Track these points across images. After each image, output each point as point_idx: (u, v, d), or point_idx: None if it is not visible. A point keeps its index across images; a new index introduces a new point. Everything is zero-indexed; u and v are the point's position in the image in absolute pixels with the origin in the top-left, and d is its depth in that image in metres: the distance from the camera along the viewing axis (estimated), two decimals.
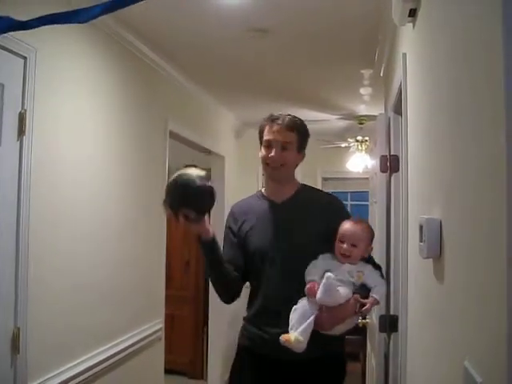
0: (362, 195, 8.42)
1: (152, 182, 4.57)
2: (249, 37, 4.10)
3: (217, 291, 2.69)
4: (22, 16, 1.78)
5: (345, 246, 2.45)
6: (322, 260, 2.48)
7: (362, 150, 7.28)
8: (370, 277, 2.45)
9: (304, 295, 2.41)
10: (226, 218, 2.85)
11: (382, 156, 3.43)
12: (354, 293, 2.39)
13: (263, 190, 2.83)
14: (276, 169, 2.64)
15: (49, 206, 3.10)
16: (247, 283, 2.74)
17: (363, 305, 2.38)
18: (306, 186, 2.84)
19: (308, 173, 8.94)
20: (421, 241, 1.74)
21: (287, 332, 2.34)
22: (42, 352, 3.02)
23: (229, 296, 2.71)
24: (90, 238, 3.58)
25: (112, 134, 3.95)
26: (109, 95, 3.90)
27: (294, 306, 2.41)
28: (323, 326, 2.39)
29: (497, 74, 1.02)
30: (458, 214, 1.42)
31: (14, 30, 1.83)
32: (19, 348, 2.80)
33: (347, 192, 9.27)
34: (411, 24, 2.34)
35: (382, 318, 3.29)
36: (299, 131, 2.68)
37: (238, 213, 2.77)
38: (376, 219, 3.73)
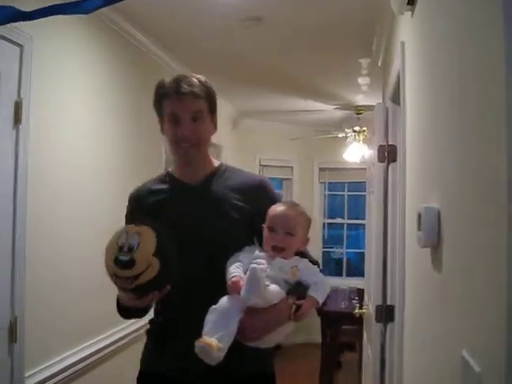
0: (359, 185, 8.43)
1: (150, 170, 4.54)
2: (244, 26, 4.09)
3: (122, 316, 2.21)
4: (24, 6, 1.77)
5: (278, 236, 1.98)
6: (248, 253, 2.01)
7: (359, 140, 7.26)
8: (307, 273, 1.98)
9: (223, 294, 1.91)
10: None
11: (380, 146, 3.42)
12: (287, 293, 1.93)
13: (172, 171, 2.30)
14: (189, 148, 2.12)
15: (45, 194, 3.10)
16: None
17: (299, 307, 1.92)
18: (226, 165, 2.33)
19: (305, 163, 8.99)
20: (419, 230, 1.74)
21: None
22: (39, 341, 3.02)
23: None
24: (87, 226, 3.57)
25: (108, 121, 3.94)
26: (105, 83, 3.89)
27: (213, 306, 1.86)
28: (248, 334, 1.88)
29: (498, 60, 1.02)
30: (456, 203, 1.41)
31: (16, 21, 1.83)
32: (16, 337, 2.80)
33: (344, 182, 9.26)
34: (410, 12, 2.33)
35: (378, 308, 3.29)
36: (207, 93, 2.15)
37: (141, 197, 2.23)
38: (373, 209, 3.73)
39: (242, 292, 1.83)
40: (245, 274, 1.88)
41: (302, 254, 2.07)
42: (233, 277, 1.89)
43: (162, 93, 2.12)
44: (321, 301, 1.97)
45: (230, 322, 1.82)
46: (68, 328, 3.34)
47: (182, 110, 2.08)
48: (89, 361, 3.53)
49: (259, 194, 2.20)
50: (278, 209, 2.05)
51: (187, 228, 2.06)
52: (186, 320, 2.00)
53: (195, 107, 2.09)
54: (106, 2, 1.71)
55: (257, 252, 2.00)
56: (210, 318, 1.83)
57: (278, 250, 1.97)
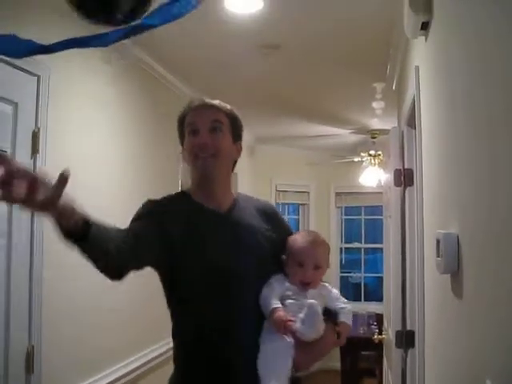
0: (376, 209, 8.39)
1: None
2: (261, 53, 4.12)
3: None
4: (40, 38, 1.79)
5: (307, 271, 1.94)
6: (277, 283, 1.94)
7: (374, 164, 7.25)
8: (332, 298, 2.00)
9: (258, 325, 1.89)
10: None
11: (396, 170, 3.41)
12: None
13: (188, 191, 2.13)
14: (207, 159, 1.98)
15: None
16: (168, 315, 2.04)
17: (338, 334, 1.95)
18: (240, 194, 2.22)
19: (321, 188, 8.98)
20: (438, 256, 1.72)
21: (238, 377, 1.80)
22: (56, 371, 3.01)
23: (112, 265, 1.92)
24: None
25: (125, 151, 3.95)
26: (122, 113, 3.92)
27: (261, 348, 1.84)
28: (301, 368, 1.88)
29: None
30: (475, 228, 1.40)
31: (35, 54, 1.84)
32: (33, 367, 2.79)
33: (361, 206, 9.24)
34: (423, 37, 2.33)
35: (398, 333, 3.25)
36: (231, 114, 2.09)
37: (168, 212, 1.99)
38: (391, 233, 3.71)
39: (302, 329, 1.82)
40: (284, 305, 1.87)
41: None
42: (275, 309, 1.84)
43: (185, 111, 2.09)
44: (351, 324, 2.02)
45: (285, 362, 1.81)
46: (84, 358, 3.32)
47: (201, 118, 2.02)
48: None
49: (277, 220, 2.18)
50: (304, 243, 2.00)
51: (225, 261, 1.93)
52: (228, 358, 1.88)
53: (214, 116, 2.02)
54: (126, 35, 1.72)
55: (287, 283, 1.95)
56: (265, 361, 1.81)
57: (306, 285, 1.94)
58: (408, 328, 3.15)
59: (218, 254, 1.94)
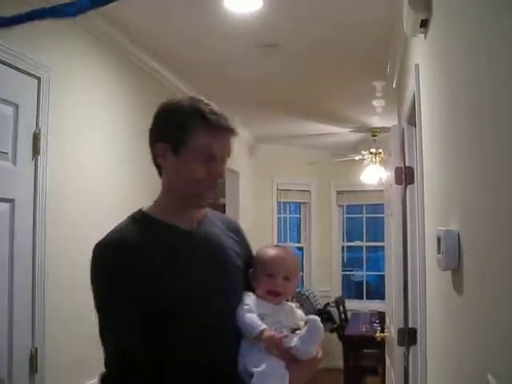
0: (377, 208, 8.39)
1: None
2: (260, 52, 4.12)
3: None
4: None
5: (277, 281, 1.81)
6: (251, 301, 1.80)
7: (375, 162, 7.25)
8: (299, 315, 1.88)
9: (236, 347, 1.74)
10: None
11: (397, 168, 3.41)
12: None
13: (152, 213, 1.85)
14: (213, 192, 1.79)
15: (64, 223, 3.11)
16: None
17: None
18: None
19: (322, 186, 8.98)
20: (439, 253, 1.72)
21: None
22: (60, 372, 3.01)
23: None
24: None
25: (126, 151, 3.96)
26: (122, 113, 3.92)
27: (256, 370, 1.66)
28: None
29: None
30: (476, 225, 1.40)
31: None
32: (37, 368, 2.80)
33: (362, 205, 9.24)
34: (423, 35, 2.33)
35: (400, 331, 3.25)
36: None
37: (129, 252, 1.70)
38: (392, 231, 3.71)
39: (303, 347, 1.70)
40: (266, 324, 1.73)
41: None
42: (263, 330, 1.69)
43: (199, 118, 1.73)
44: None
45: (283, 382, 1.68)
46: (87, 359, 3.32)
47: (222, 149, 1.75)
48: None
49: (241, 236, 2.00)
50: (274, 253, 1.91)
51: (200, 287, 1.73)
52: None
53: (229, 146, 1.78)
54: (91, 5, 1.68)
55: (259, 301, 1.81)
56: None
57: (274, 295, 1.83)
58: (410, 325, 3.15)
59: (184, 280, 1.71)
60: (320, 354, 1.79)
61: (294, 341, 1.71)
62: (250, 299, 1.81)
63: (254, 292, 1.85)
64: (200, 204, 1.83)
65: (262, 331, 1.69)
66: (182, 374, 1.65)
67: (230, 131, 1.76)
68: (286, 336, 1.70)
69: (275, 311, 1.80)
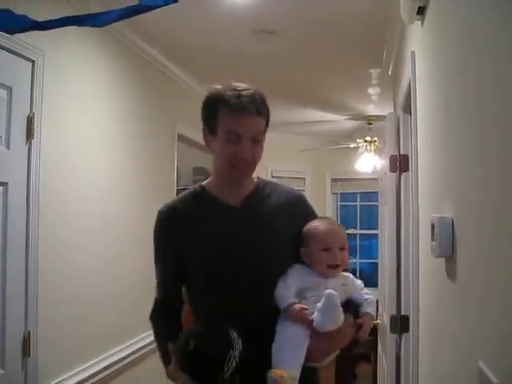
0: (372, 196, 8.40)
1: (161, 184, 4.57)
2: (257, 38, 4.10)
3: None
4: (36, 17, 1.78)
5: (334, 254, 1.89)
6: (293, 276, 1.90)
7: (370, 150, 7.25)
8: (355, 289, 1.96)
9: (272, 320, 1.85)
10: None
11: (392, 156, 3.42)
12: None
13: (208, 187, 2.08)
14: (245, 170, 1.96)
15: (57, 207, 3.11)
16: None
17: (359, 326, 1.88)
18: (263, 181, 2.14)
19: (317, 174, 8.98)
20: (432, 240, 1.73)
21: (256, 372, 1.72)
22: (53, 355, 3.02)
23: None
24: (99, 237, 3.58)
25: (120, 136, 3.95)
26: (117, 98, 3.91)
27: (276, 336, 1.82)
28: (315, 358, 1.85)
29: (509, 69, 1.01)
30: (470, 212, 1.40)
31: (29, 30, 1.83)
32: (30, 351, 2.81)
33: (356, 193, 9.25)
34: (420, 22, 2.32)
35: (392, 318, 3.27)
36: (267, 112, 1.99)
37: (176, 222, 2.03)
38: (386, 219, 3.72)
39: (319, 319, 1.77)
40: (300, 297, 1.84)
41: None
42: (290, 304, 1.81)
43: (220, 102, 1.91)
44: (375, 316, 1.97)
45: (299, 351, 1.78)
46: (82, 340, 3.34)
47: (246, 129, 1.89)
48: (104, 373, 3.53)
49: (299, 209, 2.09)
50: (326, 227, 1.96)
51: (236, 257, 1.92)
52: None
53: (258, 128, 1.92)
54: (119, 17, 1.72)
55: (306, 276, 1.90)
56: (278, 348, 1.79)
57: (334, 268, 1.90)
58: (402, 313, 3.17)
59: (219, 249, 1.94)
60: (351, 331, 1.86)
61: (314, 314, 1.78)
62: (292, 272, 1.91)
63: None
64: (232, 181, 2.01)
65: (289, 304, 1.81)
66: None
67: (251, 113, 1.89)
68: (306, 309, 1.79)
69: (318, 285, 1.86)
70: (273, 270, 1.91)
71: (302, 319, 1.79)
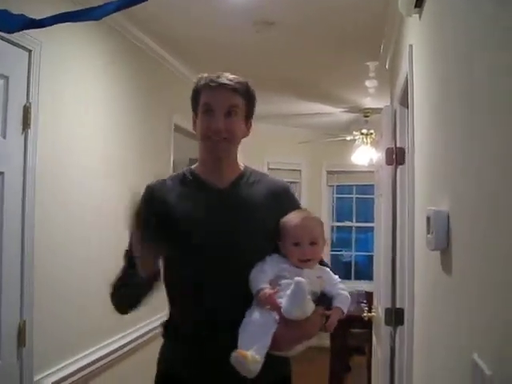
0: (367, 188, 8.40)
1: (157, 174, 4.57)
2: (254, 30, 4.09)
3: (117, 305, 2.15)
4: (34, 14, 1.78)
5: (303, 248, 1.94)
6: (271, 263, 1.95)
7: (367, 143, 7.25)
8: (331, 283, 2.00)
9: (247, 305, 1.91)
10: None
11: (388, 148, 3.42)
12: (315, 304, 1.89)
13: (195, 169, 2.16)
14: (220, 142, 2.00)
15: (53, 196, 3.11)
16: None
17: (327, 318, 1.93)
18: (251, 169, 2.20)
19: (313, 166, 8.98)
20: (428, 233, 1.73)
21: (226, 352, 1.76)
22: (48, 345, 3.02)
23: (131, 309, 2.12)
24: (95, 227, 3.58)
25: (117, 126, 3.94)
26: (114, 88, 3.90)
27: (244, 320, 1.86)
28: (281, 346, 1.86)
29: (509, 62, 1.01)
30: (466, 205, 1.41)
31: (28, 28, 1.85)
32: (25, 341, 2.81)
33: (352, 185, 9.26)
34: (417, 15, 2.32)
35: (387, 311, 3.28)
36: (247, 94, 2.08)
37: (161, 196, 2.08)
38: (382, 212, 3.72)
39: (286, 305, 1.81)
40: (275, 284, 1.88)
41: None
42: (262, 289, 1.86)
43: (200, 84, 2.04)
44: (345, 311, 1.99)
45: (265, 335, 1.81)
46: (78, 330, 3.34)
47: (217, 101, 2.00)
48: (101, 363, 3.54)
49: (284, 201, 2.13)
50: (296, 221, 1.99)
51: (215, 235, 1.98)
52: (213, 328, 1.92)
53: (231, 101, 2.01)
54: (116, 8, 1.72)
55: (282, 264, 1.95)
56: (245, 330, 1.83)
57: (305, 262, 1.94)
58: (397, 306, 3.18)
59: (202, 230, 1.99)
60: (320, 322, 1.91)
61: (283, 300, 1.82)
62: (270, 259, 1.96)
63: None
64: (212, 155, 2.07)
65: (260, 289, 1.85)
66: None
67: (226, 88, 2.00)
68: (276, 292, 1.84)
69: (293, 274, 1.88)
70: (247, 253, 1.95)
71: (270, 304, 1.83)
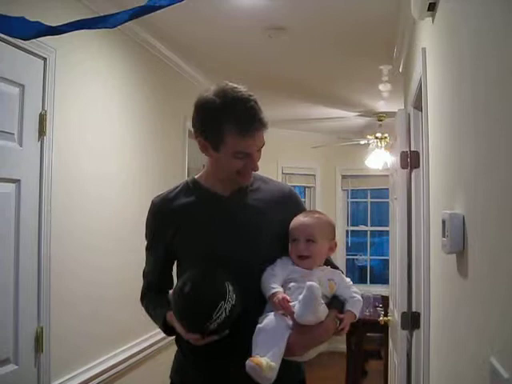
0: (382, 192, 8.39)
1: (171, 181, 4.58)
2: (267, 35, 4.10)
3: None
4: (49, 22, 1.80)
5: (300, 245, 1.96)
6: (281, 266, 1.96)
7: (381, 147, 7.23)
8: (343, 286, 1.99)
9: (259, 310, 1.91)
10: None
11: (403, 152, 3.41)
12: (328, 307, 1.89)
13: (199, 179, 2.14)
14: (250, 177, 2.06)
15: (69, 204, 3.13)
16: None
17: (340, 320, 1.93)
18: (256, 174, 2.13)
19: (327, 171, 8.97)
20: (443, 236, 1.73)
21: (240, 361, 1.75)
22: (65, 351, 3.04)
23: None
24: (110, 236, 3.60)
25: (132, 133, 3.97)
26: (128, 95, 3.92)
27: (259, 325, 1.84)
28: (295, 351, 1.85)
29: None
30: (481, 208, 1.40)
31: (43, 35, 1.86)
32: (42, 347, 2.83)
33: (367, 189, 9.23)
34: (430, 18, 2.32)
35: (403, 315, 3.26)
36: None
37: (168, 212, 2.08)
38: (397, 216, 3.71)
39: (298, 310, 1.80)
40: (286, 288, 1.88)
41: (326, 261, 2.05)
42: (274, 293, 1.85)
43: (228, 123, 1.88)
44: (358, 315, 1.99)
45: (279, 341, 1.80)
46: (94, 337, 3.36)
47: (255, 147, 1.94)
48: (116, 369, 3.56)
49: (289, 205, 2.14)
50: (296, 219, 2.02)
51: (223, 244, 1.99)
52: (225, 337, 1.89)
53: (263, 138, 1.97)
54: (131, 16, 1.74)
55: (291, 266, 1.96)
56: (259, 337, 1.81)
57: (302, 259, 1.95)
58: (413, 309, 3.16)
59: (210, 238, 2.01)
60: (334, 326, 1.91)
61: (295, 305, 1.82)
62: (280, 263, 1.97)
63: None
64: (241, 183, 2.06)
65: (273, 293, 1.85)
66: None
67: (259, 130, 1.92)
68: (289, 301, 1.83)
69: (303, 277, 1.90)
70: (256, 261, 1.96)
71: (284, 308, 1.82)
